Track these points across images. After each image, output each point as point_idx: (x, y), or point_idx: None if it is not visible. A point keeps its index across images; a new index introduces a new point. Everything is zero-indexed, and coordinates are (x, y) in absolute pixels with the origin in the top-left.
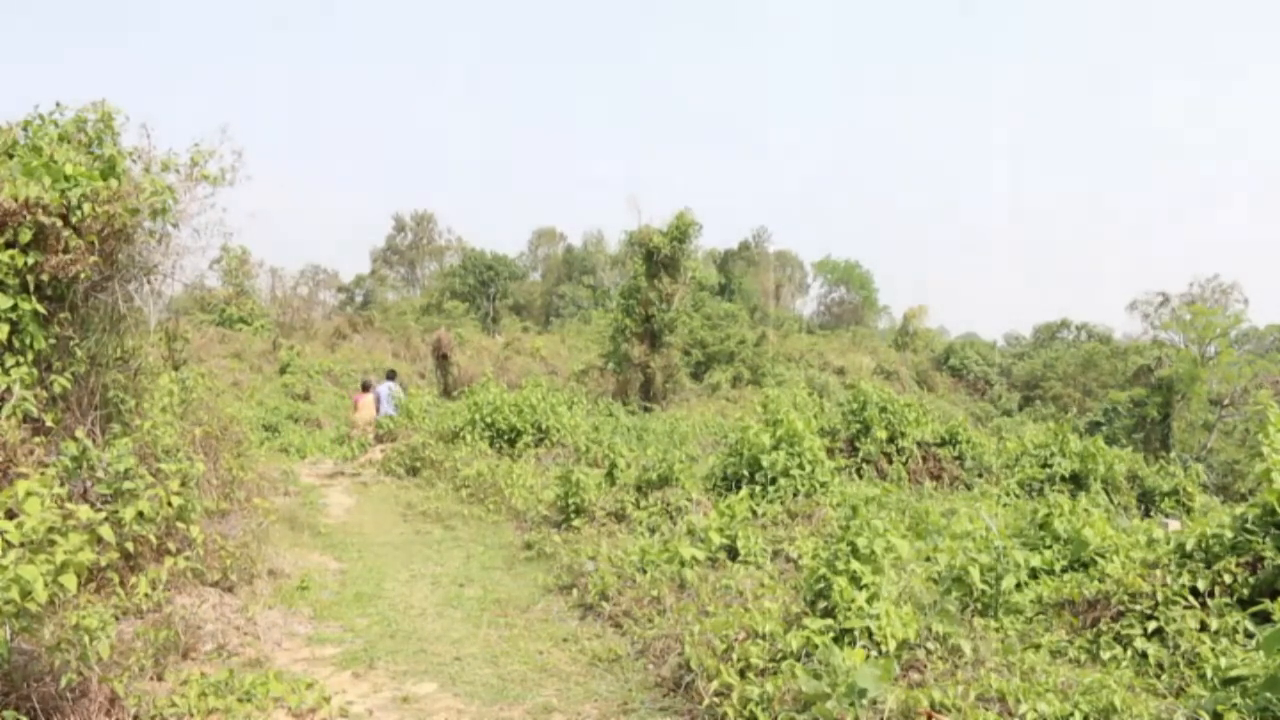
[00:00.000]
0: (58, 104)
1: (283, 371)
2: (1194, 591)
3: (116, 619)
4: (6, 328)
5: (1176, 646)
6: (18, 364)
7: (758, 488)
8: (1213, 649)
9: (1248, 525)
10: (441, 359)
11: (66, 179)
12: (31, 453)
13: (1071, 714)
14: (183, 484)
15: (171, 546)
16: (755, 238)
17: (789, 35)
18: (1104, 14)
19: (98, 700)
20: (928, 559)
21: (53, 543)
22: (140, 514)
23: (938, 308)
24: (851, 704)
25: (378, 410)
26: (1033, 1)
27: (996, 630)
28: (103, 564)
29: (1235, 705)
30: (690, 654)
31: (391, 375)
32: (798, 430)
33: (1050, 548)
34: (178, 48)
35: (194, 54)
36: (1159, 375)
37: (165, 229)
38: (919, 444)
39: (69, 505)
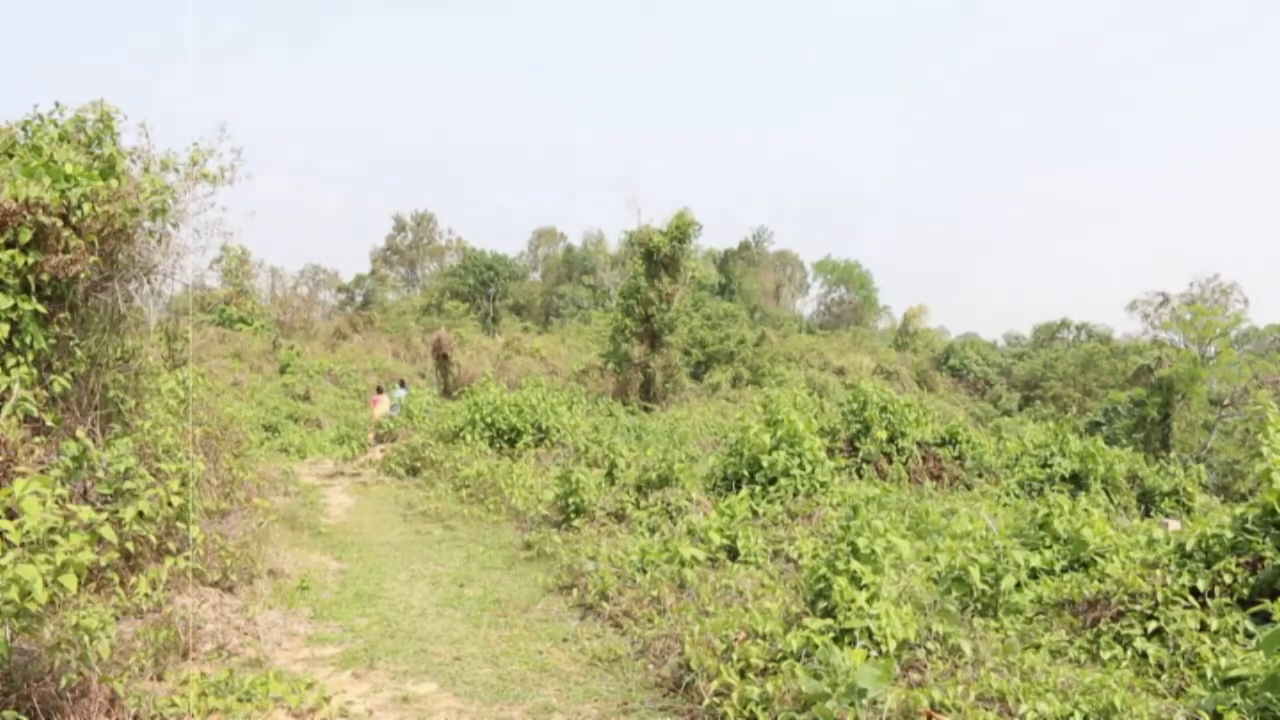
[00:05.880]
0: (57, 104)
1: (283, 371)
2: (1194, 591)
3: (116, 619)
4: (6, 328)
5: (1176, 646)
6: (18, 364)
7: (758, 488)
8: (1213, 649)
9: (1248, 525)
10: (441, 359)
11: (66, 179)
12: (32, 452)
13: (1071, 714)
14: (183, 484)
15: (171, 546)
16: (755, 238)
17: (790, 34)
18: (1102, 13)
19: (98, 700)
20: (928, 559)
21: (53, 543)
22: (140, 514)
23: (938, 308)
24: (851, 704)
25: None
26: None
27: (996, 630)
28: (103, 564)
29: (1235, 705)
30: (690, 654)
31: (403, 384)
32: (798, 430)
33: (1050, 548)
34: (177, 45)
35: (193, 52)
36: (1159, 375)
37: (165, 229)
38: (919, 444)
39: (70, 505)
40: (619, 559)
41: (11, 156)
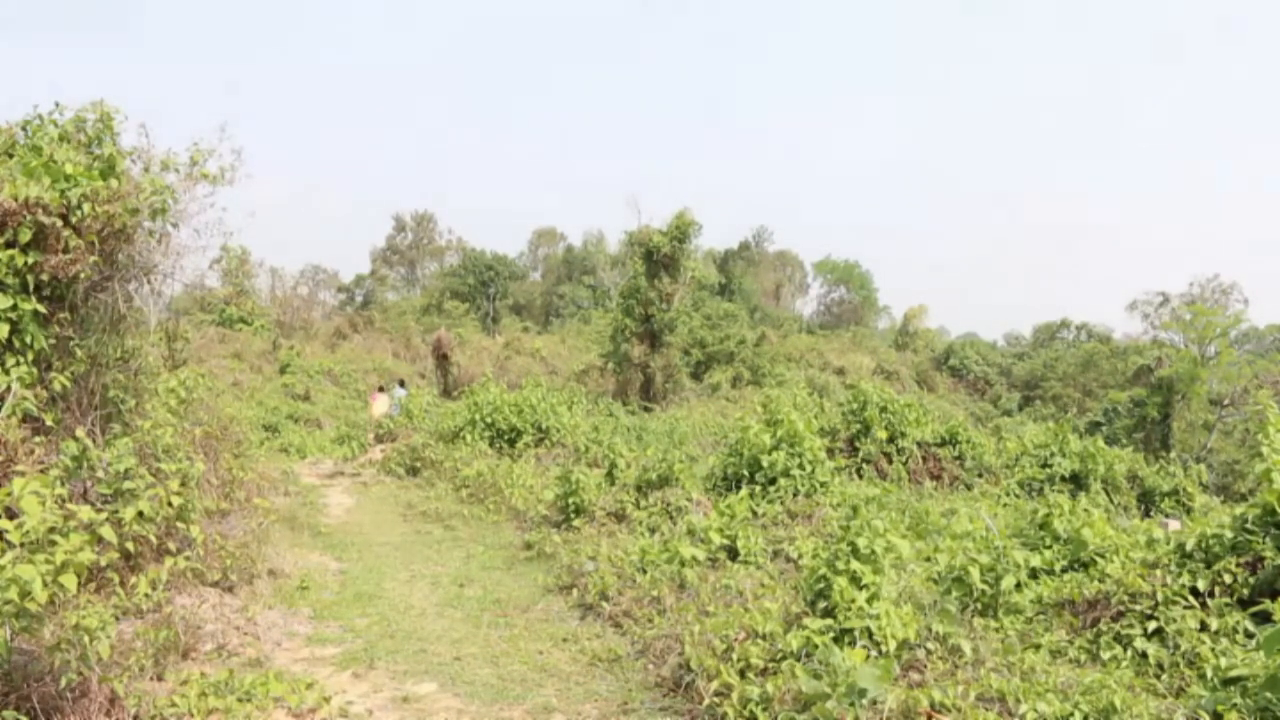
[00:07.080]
0: (57, 104)
1: (283, 371)
2: (1194, 591)
3: (116, 619)
4: (6, 327)
5: (1176, 646)
6: (18, 363)
7: (758, 488)
8: (1213, 649)
9: (1248, 525)
10: (441, 359)
11: (66, 179)
12: (32, 452)
13: (1071, 714)
14: (183, 484)
15: (171, 546)
16: (755, 238)
17: (789, 34)
18: (1102, 13)
19: (98, 700)
20: (928, 559)
21: (53, 543)
22: (140, 514)
23: (938, 308)
24: (851, 704)
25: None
26: (1033, 2)
27: (996, 630)
28: (103, 564)
29: (1235, 705)
30: (690, 654)
31: (402, 383)
32: (798, 430)
33: (1050, 548)
34: (177, 44)
35: (193, 51)
36: (1159, 375)
37: (165, 229)
38: (919, 444)
39: (70, 505)
40: (619, 559)
41: (11, 156)
